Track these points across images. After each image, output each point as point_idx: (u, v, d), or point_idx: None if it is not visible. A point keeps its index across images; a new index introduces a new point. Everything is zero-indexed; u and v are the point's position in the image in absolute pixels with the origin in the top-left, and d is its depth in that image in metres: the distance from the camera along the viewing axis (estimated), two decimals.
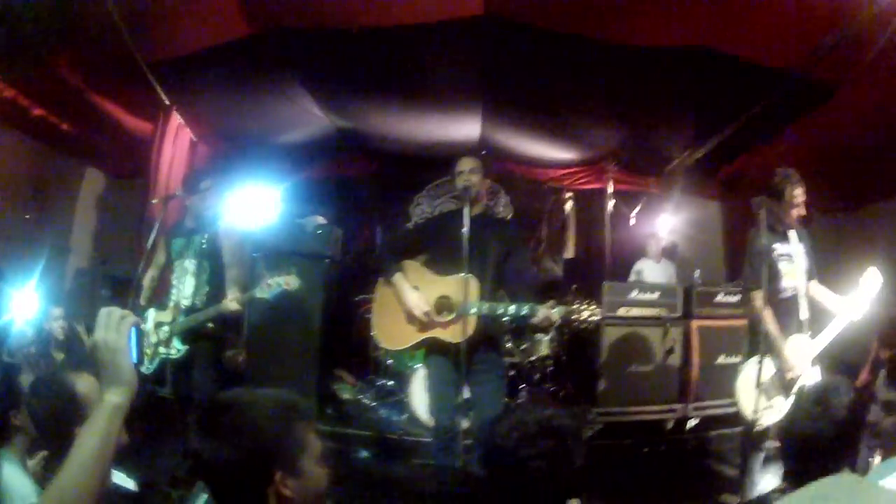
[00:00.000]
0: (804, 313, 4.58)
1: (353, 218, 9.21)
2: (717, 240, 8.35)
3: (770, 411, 4.45)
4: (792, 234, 4.69)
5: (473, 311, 4.30)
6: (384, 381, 7.69)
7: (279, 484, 1.74)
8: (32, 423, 2.77)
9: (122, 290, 7.55)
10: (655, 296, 6.95)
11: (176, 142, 6.81)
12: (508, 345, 7.35)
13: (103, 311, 1.78)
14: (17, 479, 2.84)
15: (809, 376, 4.48)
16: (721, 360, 6.85)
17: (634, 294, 6.92)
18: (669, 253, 8.31)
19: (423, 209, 9.39)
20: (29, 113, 6.03)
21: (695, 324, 6.89)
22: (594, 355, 6.88)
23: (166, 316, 4.94)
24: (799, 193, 4.58)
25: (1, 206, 6.67)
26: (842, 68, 5.31)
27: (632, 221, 8.34)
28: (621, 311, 6.84)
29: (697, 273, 7.59)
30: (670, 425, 6.82)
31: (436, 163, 8.80)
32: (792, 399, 4.38)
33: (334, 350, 7.49)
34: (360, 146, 8.52)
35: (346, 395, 7.79)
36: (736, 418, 4.83)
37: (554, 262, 9.16)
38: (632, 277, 8.11)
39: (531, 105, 7.11)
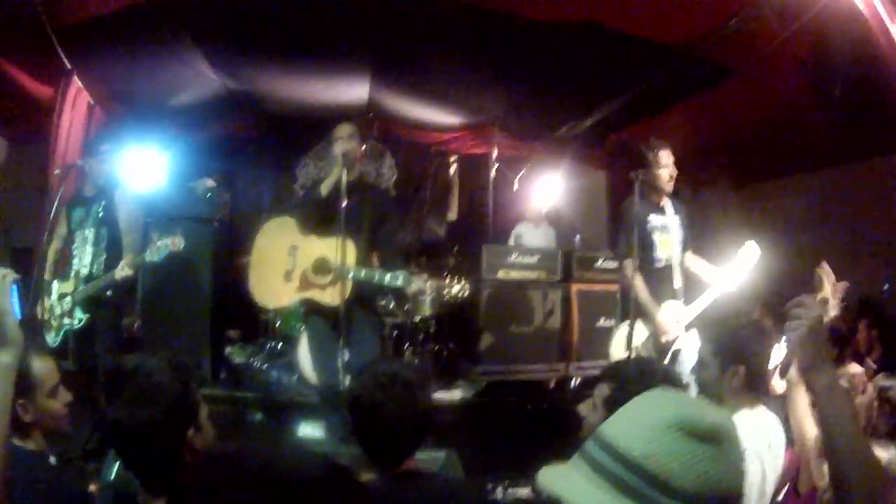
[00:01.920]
0: (678, 282, 4.90)
1: (241, 178, 9.17)
2: (601, 208, 8.59)
3: None
4: (667, 205, 4.99)
5: (351, 275, 4.53)
6: (273, 343, 7.78)
7: (191, 439, 1.94)
8: None
9: (24, 260, 7.37)
10: (535, 259, 7.20)
11: (75, 106, 6.62)
12: (391, 305, 7.52)
13: None
14: None
15: (684, 341, 4.78)
16: (601, 322, 7.21)
17: (514, 257, 7.15)
18: (551, 219, 8.54)
19: (309, 171, 9.36)
20: None
21: (574, 287, 7.20)
22: (474, 316, 7.10)
23: (68, 286, 5.01)
24: (665, 156, 4.86)
25: None
26: (741, 53, 5.55)
27: (515, 186, 8.58)
28: (501, 274, 7.07)
29: (578, 238, 7.93)
30: (552, 384, 7.19)
31: (324, 124, 8.82)
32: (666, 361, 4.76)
33: (225, 312, 7.54)
34: (250, 107, 8.43)
35: (237, 359, 7.86)
36: None
37: (437, 224, 9.35)
38: (511, 241, 8.33)
39: (419, 70, 7.20)
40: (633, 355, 4.60)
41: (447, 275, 4.61)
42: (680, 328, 4.78)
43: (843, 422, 1.77)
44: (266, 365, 7.60)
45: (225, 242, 7.49)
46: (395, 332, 7.61)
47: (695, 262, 5.02)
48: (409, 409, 2.38)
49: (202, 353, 6.92)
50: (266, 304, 5.14)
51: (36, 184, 7.11)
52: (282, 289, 4.78)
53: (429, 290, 4.67)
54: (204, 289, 6.93)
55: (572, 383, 7.23)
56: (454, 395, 7.01)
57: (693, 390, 4.54)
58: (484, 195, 8.67)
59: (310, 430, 6.19)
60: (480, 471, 5.21)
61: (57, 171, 5.40)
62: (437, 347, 7.91)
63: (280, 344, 7.73)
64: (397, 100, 8.05)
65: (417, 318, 7.67)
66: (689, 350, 4.77)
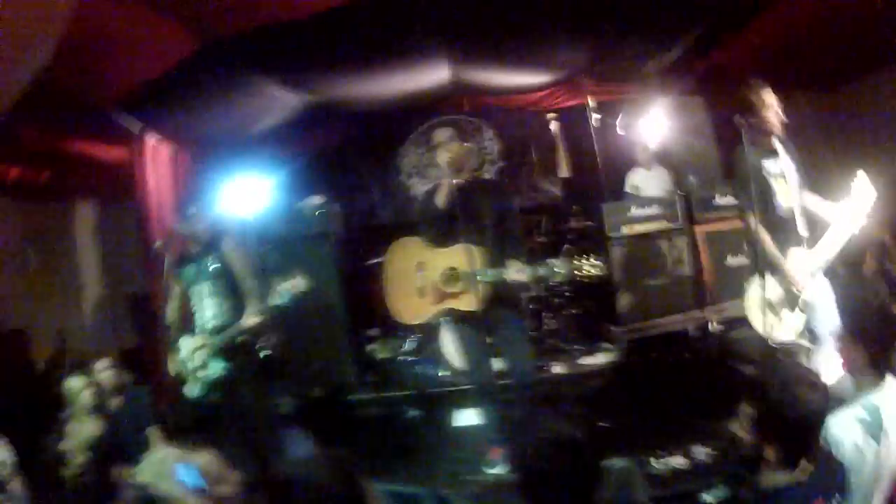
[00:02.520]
0: (801, 227, 4.59)
1: (346, 186, 9.29)
2: (707, 136, 8.19)
3: (780, 325, 4.59)
4: (779, 148, 4.65)
5: (480, 278, 4.53)
6: (414, 336, 7.92)
7: None
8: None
9: (141, 306, 7.81)
10: (655, 209, 7.03)
11: (156, 161, 6.85)
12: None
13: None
14: None
15: (815, 288, 4.53)
16: (730, 261, 6.94)
17: (634, 210, 7.01)
18: (661, 159, 8.27)
19: (410, 160, 9.39)
20: (4, 178, 6.15)
21: (699, 229, 6.98)
22: (607, 276, 6.89)
23: (198, 341, 5.14)
24: (769, 97, 4.52)
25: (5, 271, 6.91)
26: None
27: (618, 131, 8.29)
28: (625, 230, 6.97)
29: (692, 179, 7.60)
30: (693, 332, 6.98)
31: (414, 112, 8.87)
32: (797, 312, 4.55)
33: (360, 316, 7.69)
34: (336, 116, 8.46)
35: (381, 355, 8.05)
36: None
37: (551, 184, 9.20)
38: (627, 189, 8.15)
39: (497, 36, 6.95)
40: (769, 314, 4.43)
41: (578, 254, 4.54)
42: (809, 277, 4.52)
43: None
44: (410, 359, 7.77)
45: (347, 252, 7.67)
46: (532, 305, 7.61)
47: (813, 202, 4.68)
48: (578, 474, 2.35)
49: (346, 360, 7.16)
50: (409, 322, 5.24)
51: (133, 235, 7.50)
52: (419, 305, 4.89)
53: (562, 275, 4.63)
54: (335, 300, 7.10)
55: (711, 327, 6.99)
56: (598, 359, 6.98)
57: (827, 343, 4.48)
58: (589, 146, 8.43)
59: (466, 419, 6.33)
60: (632, 434, 5.21)
61: (157, 244, 5.57)
62: (574, 312, 7.87)
63: (420, 335, 7.84)
64: (480, 71, 7.85)
65: (552, 286, 7.64)
66: (820, 299, 4.55)
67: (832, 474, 2.47)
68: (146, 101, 6.12)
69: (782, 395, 2.39)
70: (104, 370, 5.83)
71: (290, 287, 4.97)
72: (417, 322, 5.32)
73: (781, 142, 4.68)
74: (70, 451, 4.23)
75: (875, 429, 2.62)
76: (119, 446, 5.36)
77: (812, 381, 2.44)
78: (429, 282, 4.80)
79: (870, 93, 6.55)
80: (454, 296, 4.74)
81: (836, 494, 2.42)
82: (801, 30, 6.11)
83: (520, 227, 5.05)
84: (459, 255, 4.62)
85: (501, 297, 4.77)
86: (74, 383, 5.39)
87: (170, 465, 1.83)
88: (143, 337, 8.04)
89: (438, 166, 4.84)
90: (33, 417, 6.26)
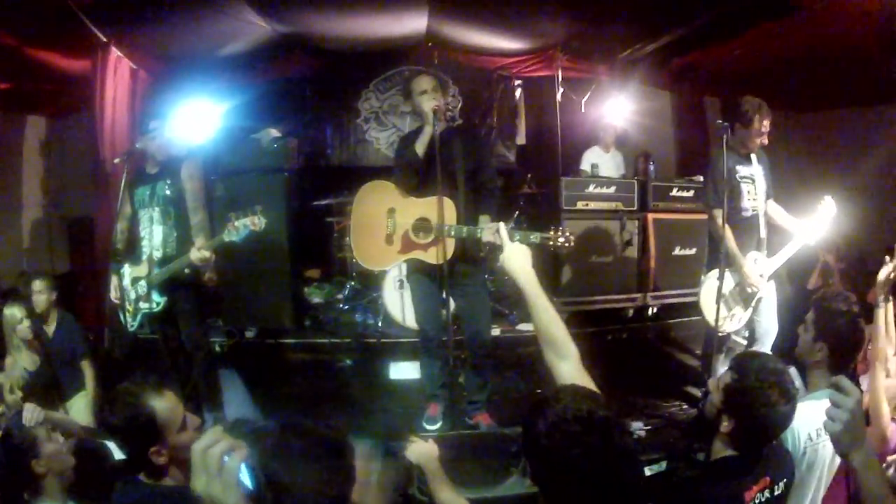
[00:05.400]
0: (762, 232, 4.92)
1: (302, 121, 9.11)
2: (667, 129, 8.41)
3: (730, 320, 4.94)
4: (753, 154, 4.94)
5: (455, 235, 4.53)
6: (353, 283, 7.87)
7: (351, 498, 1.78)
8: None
9: (80, 230, 7.52)
10: (612, 190, 7.15)
11: (116, 75, 6.59)
12: None
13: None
14: None
15: (766, 290, 4.96)
16: (677, 251, 7.22)
17: (592, 188, 7.09)
18: (619, 142, 8.40)
19: (371, 104, 9.28)
20: None
21: (651, 217, 7.16)
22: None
23: (142, 270, 4.91)
24: (766, 124, 4.79)
25: None
26: None
27: (582, 108, 8.37)
28: (579, 205, 7.04)
29: (652, 167, 7.79)
30: (630, 313, 7.26)
31: (382, 56, 8.70)
32: (748, 311, 4.94)
33: (302, 256, 7.57)
34: (303, 49, 8.22)
35: (316, 299, 7.99)
36: (692, 308, 5.27)
37: (506, 149, 9.26)
38: (582, 166, 8.21)
39: None
40: (720, 307, 4.60)
41: (551, 228, 4.50)
42: (763, 280, 4.89)
43: (878, 492, 1.89)
44: (348, 306, 7.72)
45: (297, 189, 7.46)
46: None
47: (777, 212, 5.04)
48: (617, 466, 1.78)
49: (284, 300, 6.97)
50: (371, 267, 5.15)
51: (80, 153, 7.19)
52: (385, 251, 4.78)
53: (535, 243, 4.59)
54: (281, 238, 6.79)
55: (649, 312, 7.30)
56: None
57: (767, 341, 5.00)
58: (550, 118, 8.48)
59: (402, 372, 6.34)
60: None
61: (116, 161, 5.27)
62: None
63: (359, 284, 7.79)
64: (456, 27, 7.77)
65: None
66: (767, 300, 5.01)
67: (781, 459, 2.61)
68: (114, 11, 5.88)
69: (753, 398, 2.43)
70: (40, 292, 5.50)
71: (249, 223, 4.58)
72: (380, 268, 5.25)
73: (755, 150, 4.94)
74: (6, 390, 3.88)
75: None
76: (54, 380, 5.15)
77: (787, 389, 2.47)
78: (398, 229, 4.73)
79: (839, 122, 6.84)
80: (422, 247, 4.67)
81: (784, 479, 2.56)
82: (787, 52, 6.27)
83: (494, 179, 4.97)
84: (432, 206, 4.55)
85: (467, 254, 4.76)
86: (12, 311, 4.96)
87: (235, 466, 1.35)
88: (78, 262, 7.83)
89: (421, 114, 4.74)
90: None
